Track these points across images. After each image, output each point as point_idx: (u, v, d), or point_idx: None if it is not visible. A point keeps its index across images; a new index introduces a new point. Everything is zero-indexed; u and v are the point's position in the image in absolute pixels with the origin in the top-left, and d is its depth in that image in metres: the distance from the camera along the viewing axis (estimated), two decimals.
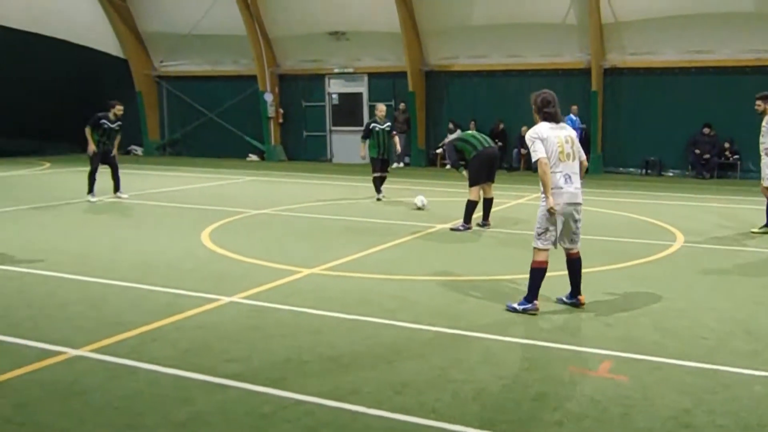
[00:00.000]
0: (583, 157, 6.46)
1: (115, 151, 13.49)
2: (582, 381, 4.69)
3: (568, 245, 6.38)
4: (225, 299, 6.51)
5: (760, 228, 10.18)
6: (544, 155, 6.08)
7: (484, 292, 6.95)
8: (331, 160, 23.16)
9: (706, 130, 18.49)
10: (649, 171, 19.47)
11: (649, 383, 4.66)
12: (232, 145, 23.93)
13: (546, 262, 6.24)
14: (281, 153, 23.62)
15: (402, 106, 21.49)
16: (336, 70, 22.84)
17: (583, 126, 18.99)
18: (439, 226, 10.61)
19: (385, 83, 22.21)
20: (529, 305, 6.18)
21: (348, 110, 23.07)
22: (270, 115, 23.31)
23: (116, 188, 13.46)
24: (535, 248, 6.24)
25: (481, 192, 10.42)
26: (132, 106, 24.34)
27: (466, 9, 20.38)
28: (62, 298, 6.59)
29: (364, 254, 8.60)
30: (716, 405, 4.33)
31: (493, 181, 10.54)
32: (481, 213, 10.49)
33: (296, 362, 5.03)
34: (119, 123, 13.33)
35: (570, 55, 19.91)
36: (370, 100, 22.58)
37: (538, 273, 6.20)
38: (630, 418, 4.14)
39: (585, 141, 19.27)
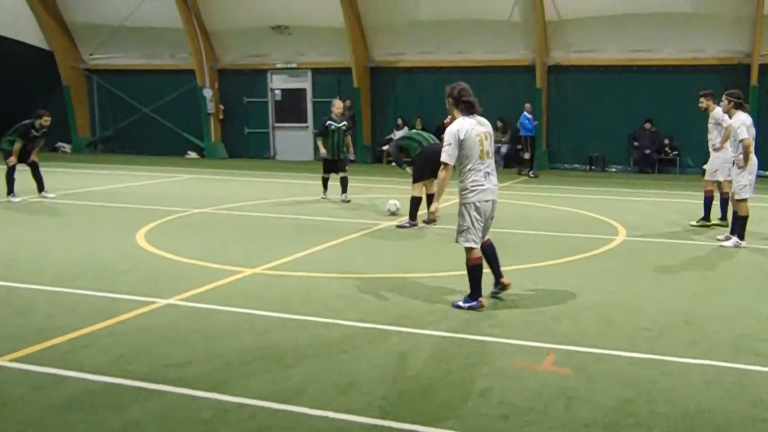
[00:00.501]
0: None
1: (35, 157, 13.05)
2: (527, 375, 4.76)
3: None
4: (162, 302, 6.37)
5: (698, 221, 10.57)
6: (452, 162, 6.12)
7: (431, 289, 6.98)
8: (274, 157, 22.96)
9: (648, 125, 19.04)
10: (593, 167, 19.93)
11: (592, 375, 4.77)
12: (170, 142, 23.47)
13: (480, 258, 6.31)
14: (222, 150, 23.29)
15: (347, 102, 21.45)
16: (279, 66, 22.65)
17: (536, 122, 19.30)
18: (385, 224, 10.63)
19: (329, 79, 22.13)
20: (474, 303, 6.27)
21: (291, 106, 22.92)
22: (209, 111, 22.96)
23: (40, 188, 13.06)
24: (466, 248, 6.28)
25: (424, 188, 10.59)
26: (59, 101, 23.65)
27: (413, 5, 20.47)
28: None
29: (308, 252, 8.54)
30: (657, 394, 4.47)
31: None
32: (425, 210, 10.55)
33: (238, 364, 4.95)
34: (44, 131, 12.96)
35: (515, 52, 20.20)
36: (314, 96, 22.49)
37: (475, 270, 6.28)
38: (573, 410, 4.24)
39: (520, 139, 19.65)
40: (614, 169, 19.88)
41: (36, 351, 5.13)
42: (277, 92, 23.14)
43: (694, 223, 10.64)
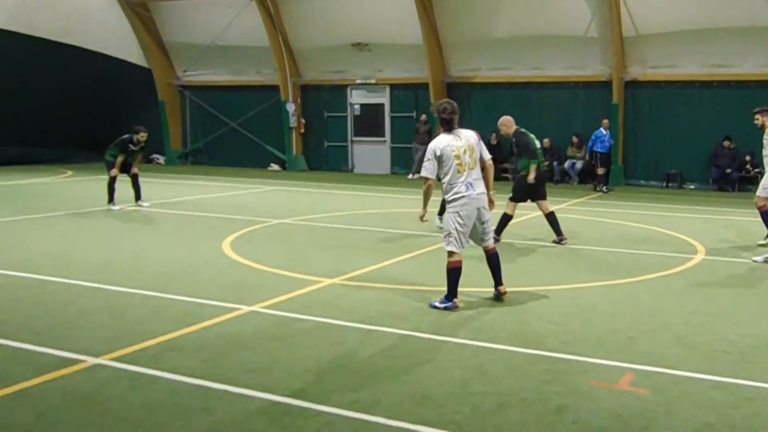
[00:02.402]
0: (486, 158, 6.82)
1: (136, 170, 13.62)
2: (603, 394, 4.62)
3: (481, 243, 6.87)
4: (245, 309, 6.51)
5: (765, 238, 10.14)
6: (431, 176, 6.58)
7: (504, 303, 6.88)
8: (352, 171, 23.18)
9: (726, 143, 18.28)
10: (670, 184, 19.26)
11: (670, 397, 4.58)
12: (254, 154, 24.03)
13: (458, 262, 6.59)
14: (302, 163, 23.69)
15: (423, 117, 21.48)
16: (358, 81, 22.90)
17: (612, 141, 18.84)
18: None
19: (406, 94, 22.22)
20: (450, 303, 6.56)
21: (370, 121, 23.11)
22: (292, 125, 23.41)
23: (137, 197, 13.57)
24: (448, 251, 6.58)
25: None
26: (155, 115, 24.59)
27: (489, 21, 20.36)
28: (83, 306, 6.62)
29: (384, 264, 8.57)
30: (738, 420, 4.26)
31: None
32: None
33: (316, 373, 5.00)
34: (142, 145, 13.48)
35: (591, 68, 19.80)
36: (391, 111, 22.62)
37: (452, 273, 6.58)
38: None
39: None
40: (692, 187, 19.17)
41: (131, 351, 5.31)
42: (356, 107, 23.38)
43: (762, 241, 10.18)
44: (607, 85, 19.41)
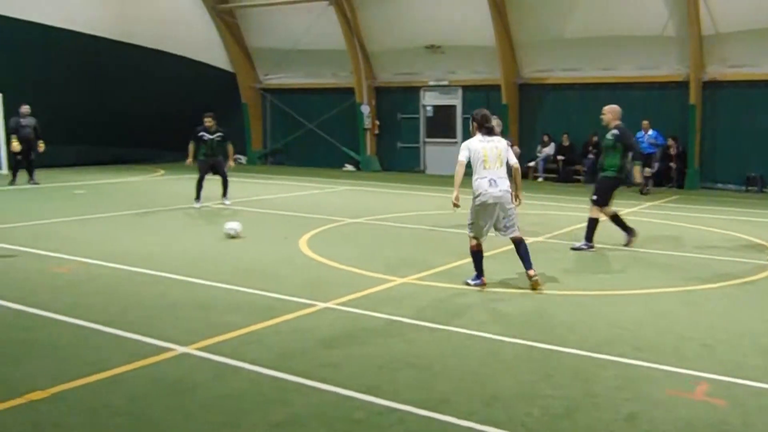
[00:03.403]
0: (513, 162, 7.53)
1: (230, 163, 14.04)
2: (677, 403, 4.47)
3: (504, 233, 7.49)
4: (321, 305, 6.62)
5: None
6: (462, 159, 7.33)
7: (574, 307, 6.77)
8: (424, 171, 23.18)
9: None
10: (750, 187, 18.44)
11: (749, 409, 4.40)
12: (330, 155, 24.34)
13: (479, 245, 7.43)
14: (376, 163, 23.84)
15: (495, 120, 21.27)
16: (431, 83, 22.89)
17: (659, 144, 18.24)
18: (530, 239, 10.42)
19: (479, 96, 22.03)
20: (478, 280, 7.42)
21: (442, 122, 23.06)
22: (366, 127, 23.59)
23: (223, 194, 13.95)
24: (470, 236, 7.45)
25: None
26: (238, 117, 25.25)
27: (561, 22, 20.00)
28: (172, 298, 6.87)
29: (455, 265, 8.55)
30: None
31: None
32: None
33: (388, 370, 5.04)
34: (220, 134, 13.78)
35: (667, 68, 19.17)
36: (464, 112, 22.50)
37: (475, 255, 7.46)
38: None
39: (671, 157, 18.49)
40: None
41: (215, 342, 5.48)
42: (429, 108, 23.35)
43: None
44: (683, 85, 18.76)
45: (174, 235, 10.55)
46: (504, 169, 7.35)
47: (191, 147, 13.68)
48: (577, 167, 20.06)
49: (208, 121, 13.72)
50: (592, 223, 9.61)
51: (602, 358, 5.29)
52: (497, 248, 9.59)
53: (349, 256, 8.90)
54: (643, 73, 19.36)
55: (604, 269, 8.74)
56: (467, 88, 22.40)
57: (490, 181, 7.22)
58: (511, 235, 7.45)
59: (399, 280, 7.63)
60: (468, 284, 7.40)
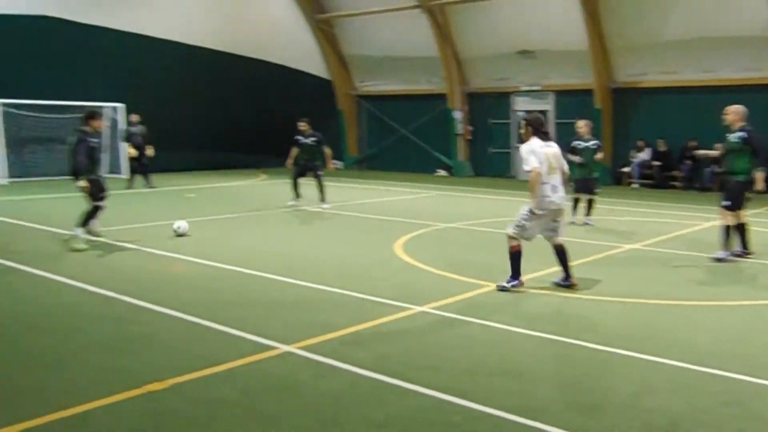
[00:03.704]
0: (565, 167, 7.46)
1: (328, 165, 14.42)
2: None
3: (549, 240, 7.41)
4: (416, 309, 6.63)
5: None
6: (538, 165, 7.04)
7: (679, 317, 6.49)
8: (515, 177, 22.85)
9: None
10: None
11: None
12: (423, 160, 24.40)
13: (518, 246, 7.25)
14: (468, 168, 23.70)
15: (588, 123, 20.69)
16: (523, 88, 22.55)
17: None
18: (627, 246, 10.09)
19: (571, 100, 21.55)
20: (515, 281, 7.27)
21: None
22: (458, 132, 23.50)
23: (321, 199, 14.24)
24: (508, 236, 7.26)
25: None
26: (335, 124, 25.72)
27: (657, 24, 19.26)
28: (275, 297, 7.07)
29: (550, 271, 8.35)
30: None
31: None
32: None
33: (484, 375, 5.00)
34: (314, 138, 14.13)
35: None
36: (556, 117, 22.04)
37: (513, 255, 7.26)
38: None
39: None
40: None
41: (316, 342, 5.59)
42: (520, 114, 23.01)
43: None
44: None
45: (275, 237, 10.85)
46: (560, 175, 7.32)
47: (293, 151, 14.20)
48: (674, 173, 19.25)
49: (303, 126, 14.19)
50: (728, 230, 8.94)
51: (707, 372, 5.04)
52: (593, 255, 9.33)
53: (443, 261, 8.88)
54: (745, 76, 18.37)
55: (709, 279, 8.33)
56: (559, 93, 21.95)
57: (552, 186, 7.17)
58: (556, 241, 7.39)
59: (493, 286, 7.53)
60: (504, 287, 7.25)
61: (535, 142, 7.23)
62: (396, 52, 24.01)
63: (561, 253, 7.39)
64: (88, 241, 9.78)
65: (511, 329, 6.03)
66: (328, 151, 14.64)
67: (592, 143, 12.15)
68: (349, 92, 26.29)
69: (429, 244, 10.36)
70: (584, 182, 12.08)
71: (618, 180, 20.63)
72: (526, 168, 7.13)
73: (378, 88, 25.67)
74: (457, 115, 23.34)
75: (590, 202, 12.26)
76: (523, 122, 7.58)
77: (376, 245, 10.07)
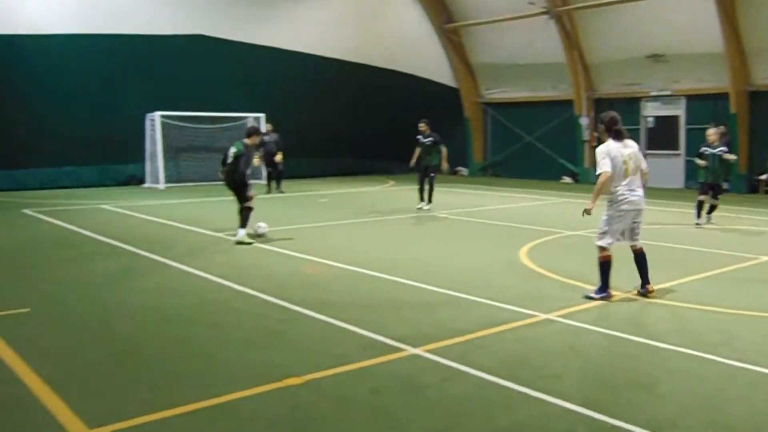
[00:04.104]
0: (644, 167, 7.14)
1: (444, 164, 14.58)
2: None
3: (630, 242, 7.15)
4: (542, 316, 6.51)
5: None
6: (609, 170, 6.85)
7: None
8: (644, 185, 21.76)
9: None
10: None
11: None
12: (547, 167, 23.83)
13: (609, 257, 7.00)
14: (594, 175, 22.83)
15: (722, 128, 19.33)
16: (653, 93, 21.47)
17: None
18: (764, 258, 9.36)
19: (703, 105, 20.29)
20: (604, 293, 6.99)
21: (664, 134, 21.52)
22: (585, 139, 22.75)
23: (428, 200, 14.63)
24: (598, 246, 7.03)
25: None
26: (460, 131, 25.69)
27: None
28: (403, 301, 7.16)
29: (678, 282, 7.93)
30: None
31: None
32: None
33: (611, 386, 4.82)
34: (431, 138, 14.38)
35: None
36: (687, 123, 20.81)
37: (604, 266, 7.01)
38: None
39: None
40: None
41: (442, 346, 5.61)
42: (650, 119, 21.92)
43: None
44: None
45: (403, 241, 11.00)
46: (639, 176, 7.09)
47: (416, 150, 14.59)
48: None
49: (422, 126, 14.51)
50: None
51: None
52: (727, 266, 8.75)
53: (569, 269, 8.64)
54: None
55: None
56: (691, 98, 20.73)
57: (629, 188, 6.98)
58: (636, 244, 7.17)
59: (620, 295, 7.25)
60: (592, 298, 6.98)
61: (611, 144, 7.02)
62: (522, 60, 23.62)
63: (640, 258, 7.15)
64: (252, 237, 10.77)
65: (639, 340, 5.77)
66: (444, 150, 14.84)
67: (719, 150, 12.37)
68: (476, 100, 26.17)
69: (554, 251, 10.11)
70: (710, 186, 12.50)
71: (754, 188, 19.16)
72: (597, 171, 6.96)
73: (504, 96, 25.37)
74: (584, 121, 22.60)
75: (712, 207, 12.62)
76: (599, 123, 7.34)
77: (501, 251, 9.95)
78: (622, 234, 7.15)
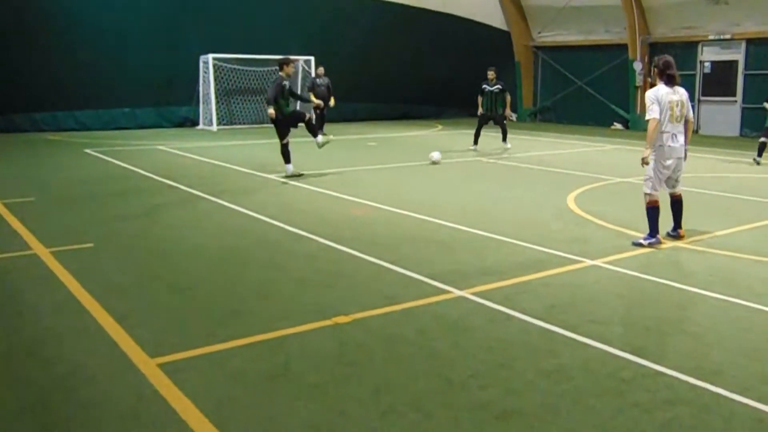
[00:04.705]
0: (690, 116, 6.98)
1: (507, 111, 14.82)
2: None
3: (670, 189, 7.10)
4: (588, 262, 6.42)
5: None
6: (658, 116, 6.73)
7: None
8: (697, 132, 20.99)
9: None
10: None
11: None
12: (598, 113, 23.13)
13: (656, 202, 6.94)
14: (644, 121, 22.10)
15: None
16: (711, 37, 20.43)
17: None
18: None
19: (765, 50, 19.22)
20: (653, 239, 6.92)
21: (720, 79, 20.57)
22: (638, 84, 21.91)
23: (503, 139, 14.87)
24: (645, 193, 6.99)
25: None
26: (510, 75, 25.02)
27: None
28: (451, 244, 7.13)
29: (730, 231, 7.70)
30: None
31: None
32: None
33: (656, 333, 4.77)
34: (498, 86, 14.24)
35: None
36: (746, 68, 19.81)
37: (652, 211, 6.95)
38: None
39: None
40: None
41: (489, 289, 5.61)
42: (707, 64, 20.94)
43: None
44: None
45: (451, 186, 10.91)
46: (683, 124, 6.93)
47: (479, 99, 14.48)
48: None
49: (490, 74, 14.39)
50: None
51: None
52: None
53: (616, 216, 8.46)
54: None
55: None
56: (752, 42, 19.64)
57: (672, 135, 6.86)
58: (675, 191, 7.14)
59: (669, 244, 7.09)
60: (641, 244, 6.90)
61: (661, 89, 6.86)
62: (576, 2, 22.68)
63: (676, 204, 7.15)
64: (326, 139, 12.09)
65: (687, 288, 5.65)
66: (509, 98, 14.69)
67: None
68: (527, 43, 25.38)
69: (603, 198, 9.91)
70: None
71: None
72: (647, 116, 6.84)
73: (556, 39, 24.53)
74: (637, 66, 21.72)
75: None
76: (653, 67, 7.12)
77: (549, 197, 9.80)
78: (667, 180, 7.05)
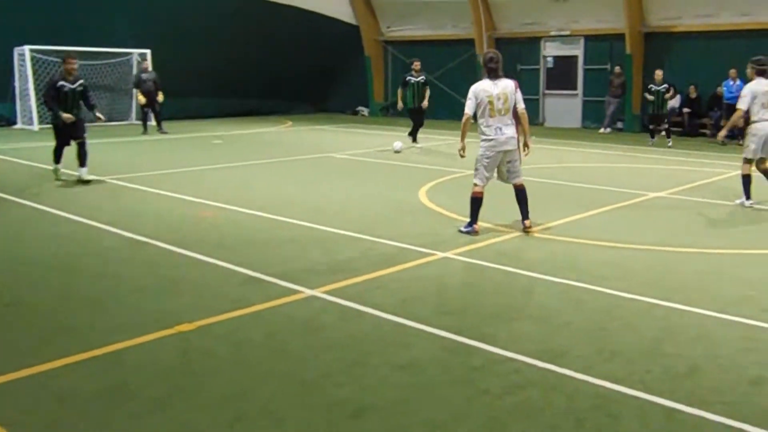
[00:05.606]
0: (521, 107, 7.30)
1: (424, 103, 14.97)
2: None
3: (508, 180, 7.51)
4: (440, 254, 6.66)
5: None
6: (469, 112, 7.26)
7: (702, 264, 6.44)
8: (542, 124, 22.49)
9: None
10: None
11: None
12: (450, 107, 24.06)
13: (480, 194, 7.40)
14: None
15: (617, 69, 20.20)
16: (553, 33, 21.97)
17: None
18: (651, 194, 9.97)
19: (601, 46, 21.00)
20: (470, 228, 7.34)
21: (562, 74, 22.17)
22: None
23: (412, 136, 15.15)
24: (473, 183, 7.41)
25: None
26: (360, 70, 25.39)
27: None
28: (301, 243, 7.13)
29: (574, 219, 8.33)
30: None
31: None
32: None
33: (506, 320, 5.05)
34: (422, 78, 14.72)
35: None
36: (585, 63, 21.52)
37: (473, 202, 7.38)
38: None
39: None
40: None
41: (341, 286, 5.66)
42: (549, 59, 22.49)
43: None
44: None
45: (304, 184, 10.87)
46: (510, 116, 7.24)
47: (399, 92, 14.36)
48: (704, 121, 18.78)
49: (416, 65, 14.41)
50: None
51: (728, 319, 5.03)
52: (618, 202, 9.25)
53: (466, 208, 8.81)
54: None
55: (736, 227, 8.23)
56: (589, 38, 21.36)
57: (497, 128, 7.19)
58: (515, 181, 7.47)
59: (517, 233, 7.53)
60: (461, 231, 7.38)
61: (481, 84, 7.24)
62: None
63: (520, 194, 7.48)
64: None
65: (534, 275, 6.03)
66: (427, 90, 14.81)
67: (662, 87, 15.99)
68: (376, 38, 25.85)
69: (453, 190, 10.29)
70: (656, 117, 16.41)
71: (646, 128, 20.19)
72: (466, 111, 7.28)
73: (405, 33, 25.19)
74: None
75: (667, 131, 16.26)
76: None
77: (402, 192, 10.05)
78: (499, 173, 7.47)
